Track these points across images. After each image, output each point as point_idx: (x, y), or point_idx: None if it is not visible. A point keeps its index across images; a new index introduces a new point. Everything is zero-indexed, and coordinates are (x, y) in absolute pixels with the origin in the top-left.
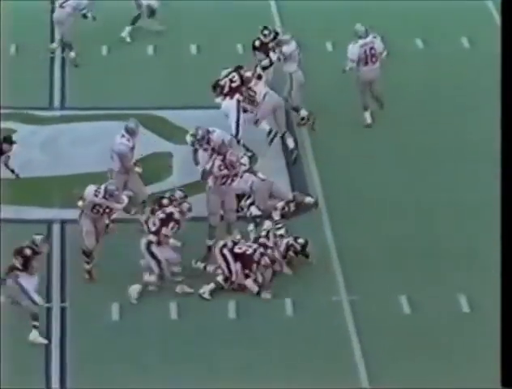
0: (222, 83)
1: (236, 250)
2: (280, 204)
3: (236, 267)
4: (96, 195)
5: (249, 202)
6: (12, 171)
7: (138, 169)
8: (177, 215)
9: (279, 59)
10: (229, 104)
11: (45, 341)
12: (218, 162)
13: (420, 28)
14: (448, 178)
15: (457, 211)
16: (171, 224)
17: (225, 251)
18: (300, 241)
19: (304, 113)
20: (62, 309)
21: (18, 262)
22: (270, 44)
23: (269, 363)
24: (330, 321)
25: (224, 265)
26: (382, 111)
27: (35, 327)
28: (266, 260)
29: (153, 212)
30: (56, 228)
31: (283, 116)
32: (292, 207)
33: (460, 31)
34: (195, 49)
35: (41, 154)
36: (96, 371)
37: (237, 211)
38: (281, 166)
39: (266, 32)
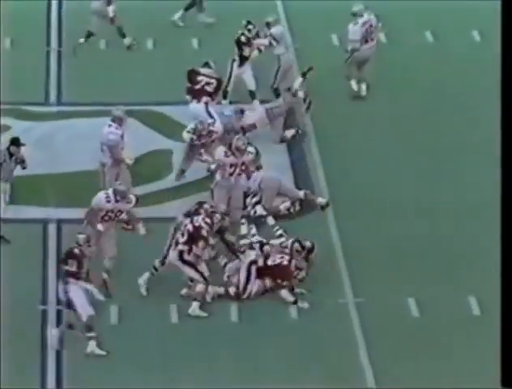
0: (199, 78)
1: (270, 262)
2: (286, 204)
3: (253, 288)
4: (109, 201)
5: (254, 200)
6: (22, 161)
7: (128, 161)
8: (204, 232)
9: (270, 43)
10: (198, 107)
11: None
12: (223, 149)
13: (429, 21)
14: (451, 178)
15: (458, 211)
16: (200, 243)
17: (252, 269)
18: (308, 244)
19: (281, 101)
20: (58, 312)
21: (72, 267)
22: (254, 39)
23: (273, 365)
24: (335, 323)
25: (243, 281)
26: (384, 110)
27: (91, 338)
28: (302, 275)
29: (189, 215)
30: (51, 227)
31: (281, 123)
32: (298, 206)
33: (471, 24)
34: (196, 44)
35: (37, 151)
36: (93, 374)
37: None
38: (285, 163)
39: (250, 26)
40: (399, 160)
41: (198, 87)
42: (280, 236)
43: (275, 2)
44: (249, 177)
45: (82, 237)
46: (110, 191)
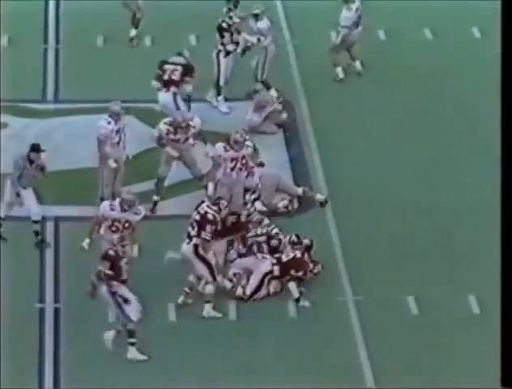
0: (165, 67)
1: (284, 258)
2: (284, 202)
3: (259, 295)
4: (113, 209)
5: (253, 196)
6: (43, 168)
7: (111, 164)
8: (210, 216)
9: (258, 40)
10: (166, 97)
11: (145, 357)
12: (222, 144)
13: (429, 20)
14: (451, 178)
15: (458, 211)
16: (208, 227)
17: (266, 280)
18: (306, 241)
19: (274, 92)
20: (56, 310)
21: (106, 267)
22: (234, 27)
23: (272, 364)
24: (335, 321)
25: (252, 289)
26: (383, 110)
27: (132, 344)
28: (318, 268)
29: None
30: (49, 225)
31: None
32: (296, 204)
33: (471, 23)
34: (194, 41)
35: None
36: (90, 373)
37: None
38: (283, 161)
39: (231, 13)
40: (399, 159)
41: (165, 77)
42: (276, 234)
43: (275, 1)
44: (252, 174)
45: (116, 236)
46: (116, 201)
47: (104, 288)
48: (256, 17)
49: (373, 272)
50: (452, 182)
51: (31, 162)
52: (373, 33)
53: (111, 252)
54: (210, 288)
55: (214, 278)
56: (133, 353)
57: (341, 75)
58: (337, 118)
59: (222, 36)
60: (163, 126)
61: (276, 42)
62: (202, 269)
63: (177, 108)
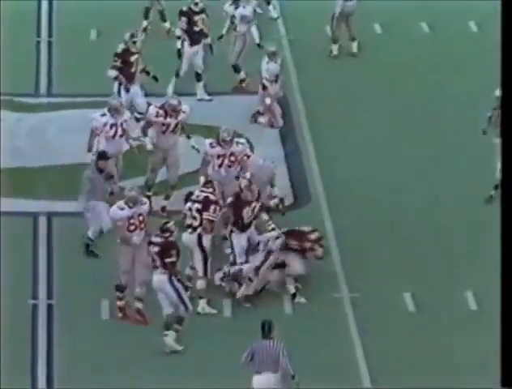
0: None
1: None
2: (275, 201)
3: (264, 268)
4: (122, 209)
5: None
6: (111, 176)
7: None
8: (212, 197)
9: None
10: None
11: (180, 348)
12: (209, 140)
13: (426, 12)
14: (449, 176)
15: (458, 211)
16: (212, 208)
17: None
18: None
19: (242, 75)
20: (49, 306)
21: (174, 257)
22: (197, 16)
23: None
24: (330, 318)
25: (251, 289)
26: (379, 105)
27: (177, 330)
28: (316, 234)
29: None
30: (42, 221)
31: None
32: (288, 202)
33: (468, 15)
34: None
35: (28, 143)
36: (84, 370)
37: None
38: (279, 155)
39: (197, 0)
40: (397, 154)
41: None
42: (273, 229)
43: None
44: (244, 169)
45: (171, 224)
46: (121, 202)
47: (162, 278)
48: (236, 3)
49: (369, 269)
50: (452, 182)
51: (100, 171)
52: (369, 27)
53: (172, 239)
54: (201, 284)
55: (205, 273)
56: (169, 341)
57: (335, 52)
58: (332, 113)
59: (179, 19)
60: (153, 110)
61: (271, 37)
62: (198, 261)
63: (119, 95)
